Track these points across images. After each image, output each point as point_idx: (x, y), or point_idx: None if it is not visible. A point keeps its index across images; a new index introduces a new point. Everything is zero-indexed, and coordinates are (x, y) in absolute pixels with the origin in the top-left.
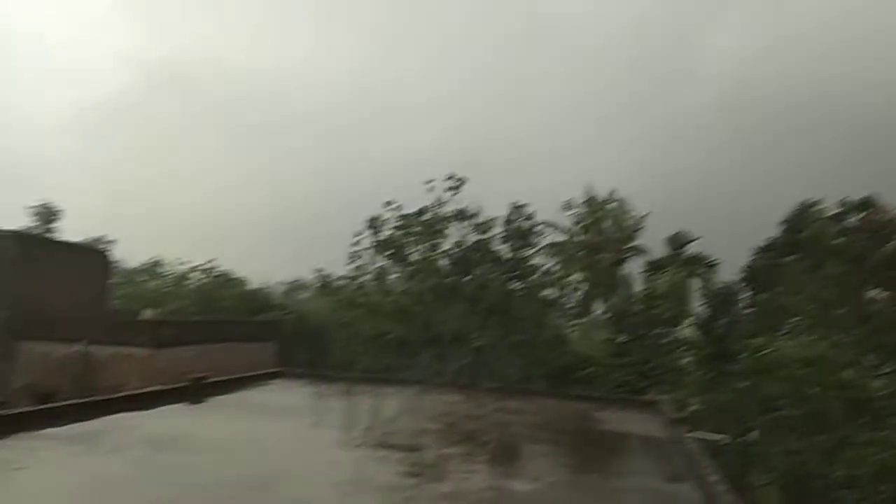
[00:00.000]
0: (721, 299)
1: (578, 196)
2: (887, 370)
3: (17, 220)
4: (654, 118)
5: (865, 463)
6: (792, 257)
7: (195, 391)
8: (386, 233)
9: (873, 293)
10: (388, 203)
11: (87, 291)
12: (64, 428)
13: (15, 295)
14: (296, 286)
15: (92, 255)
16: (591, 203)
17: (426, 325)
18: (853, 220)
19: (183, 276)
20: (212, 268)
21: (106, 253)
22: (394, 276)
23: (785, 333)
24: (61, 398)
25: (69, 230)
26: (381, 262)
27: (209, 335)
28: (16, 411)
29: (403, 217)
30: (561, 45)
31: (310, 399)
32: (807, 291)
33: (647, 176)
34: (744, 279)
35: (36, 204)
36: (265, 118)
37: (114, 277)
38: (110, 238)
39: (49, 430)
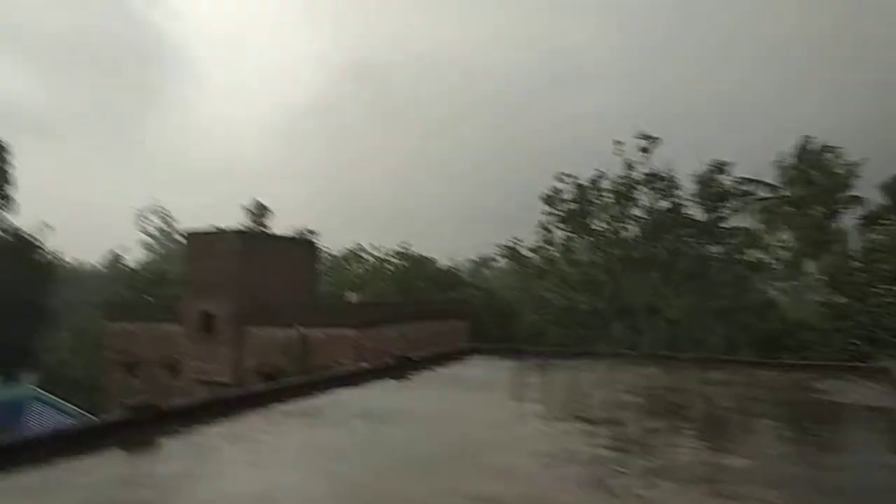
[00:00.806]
0: None
1: (782, 149)
2: None
3: (234, 216)
4: (864, 58)
5: None
6: None
7: (400, 368)
8: (567, 204)
9: None
10: (564, 174)
11: (299, 279)
12: (290, 404)
13: (240, 286)
14: (482, 263)
15: (302, 246)
16: (798, 155)
17: (616, 296)
18: None
19: (381, 261)
20: (406, 251)
21: (313, 242)
22: (579, 246)
23: None
24: (284, 377)
25: (278, 223)
26: (566, 233)
27: (408, 314)
28: (249, 390)
29: (583, 187)
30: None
31: (506, 373)
32: None
33: (860, 122)
34: None
35: (249, 202)
36: (451, 107)
37: (321, 265)
38: (314, 229)
39: (277, 406)
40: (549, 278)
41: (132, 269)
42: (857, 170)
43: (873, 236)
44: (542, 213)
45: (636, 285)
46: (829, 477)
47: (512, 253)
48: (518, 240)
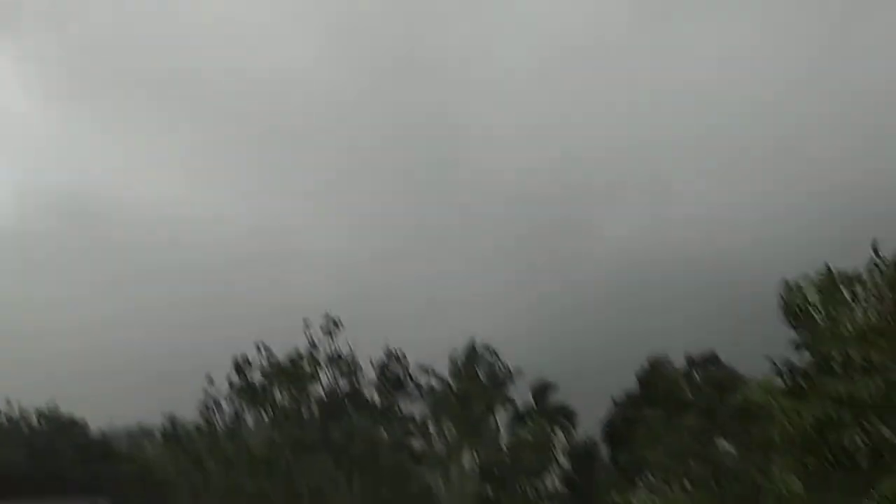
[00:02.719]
0: (583, 452)
1: (456, 348)
2: None
3: None
4: (542, 284)
5: None
6: (648, 410)
7: None
8: (253, 376)
9: (724, 445)
10: (260, 345)
11: None
12: None
13: None
14: (143, 432)
15: None
16: (467, 353)
17: (287, 479)
18: (700, 374)
19: (15, 422)
20: (51, 411)
21: None
22: (254, 423)
23: (645, 486)
24: None
25: None
26: (242, 407)
27: (36, 488)
28: None
29: (272, 361)
30: (457, 204)
31: None
32: (664, 444)
33: (526, 332)
34: (604, 432)
35: None
36: (150, 255)
37: None
38: None
39: None
40: (214, 456)
41: None
42: (513, 374)
43: (520, 433)
44: (213, 386)
45: (308, 468)
46: None
47: (171, 427)
48: (184, 413)
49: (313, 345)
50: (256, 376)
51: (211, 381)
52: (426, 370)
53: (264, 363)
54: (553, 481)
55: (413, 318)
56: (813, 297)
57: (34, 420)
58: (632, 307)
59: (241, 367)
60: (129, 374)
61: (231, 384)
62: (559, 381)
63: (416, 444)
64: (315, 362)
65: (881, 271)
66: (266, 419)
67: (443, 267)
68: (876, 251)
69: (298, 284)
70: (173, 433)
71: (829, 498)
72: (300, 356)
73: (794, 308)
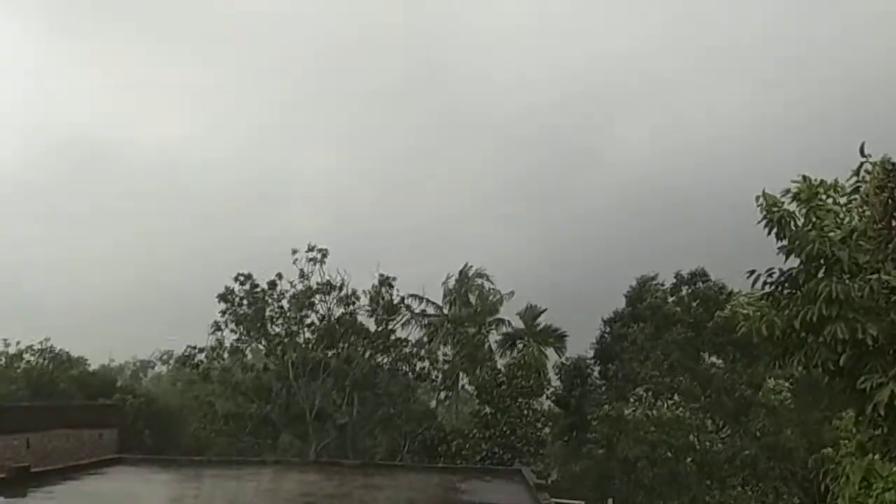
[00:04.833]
0: (573, 371)
1: (451, 275)
2: (726, 433)
3: None
4: (544, 217)
5: None
6: (636, 326)
7: (17, 483)
8: (243, 308)
9: (710, 359)
10: (240, 276)
11: None
12: None
13: None
14: (144, 366)
15: None
16: (461, 279)
17: (288, 403)
18: (687, 291)
19: (12, 358)
20: (46, 348)
21: None
22: (253, 351)
23: (635, 400)
24: None
25: None
26: (240, 337)
27: (40, 421)
28: None
29: (258, 289)
30: (459, 140)
31: (152, 486)
32: (652, 358)
33: (526, 265)
34: (595, 351)
35: None
36: (146, 196)
37: None
38: None
39: None
40: (218, 384)
41: None
42: (504, 297)
43: (513, 355)
44: (217, 315)
45: (308, 392)
46: None
47: (181, 357)
48: (192, 346)
49: (303, 275)
50: (247, 308)
51: (224, 297)
52: (419, 297)
53: (245, 295)
54: (546, 401)
55: (413, 254)
56: (791, 206)
57: (32, 357)
58: (634, 235)
59: (224, 297)
60: (127, 315)
61: (227, 316)
62: (560, 309)
63: (414, 367)
64: (308, 291)
65: (868, 173)
66: (264, 347)
67: (442, 203)
68: (863, 152)
69: (300, 224)
70: (179, 361)
71: (817, 406)
72: (278, 283)
73: (775, 218)
